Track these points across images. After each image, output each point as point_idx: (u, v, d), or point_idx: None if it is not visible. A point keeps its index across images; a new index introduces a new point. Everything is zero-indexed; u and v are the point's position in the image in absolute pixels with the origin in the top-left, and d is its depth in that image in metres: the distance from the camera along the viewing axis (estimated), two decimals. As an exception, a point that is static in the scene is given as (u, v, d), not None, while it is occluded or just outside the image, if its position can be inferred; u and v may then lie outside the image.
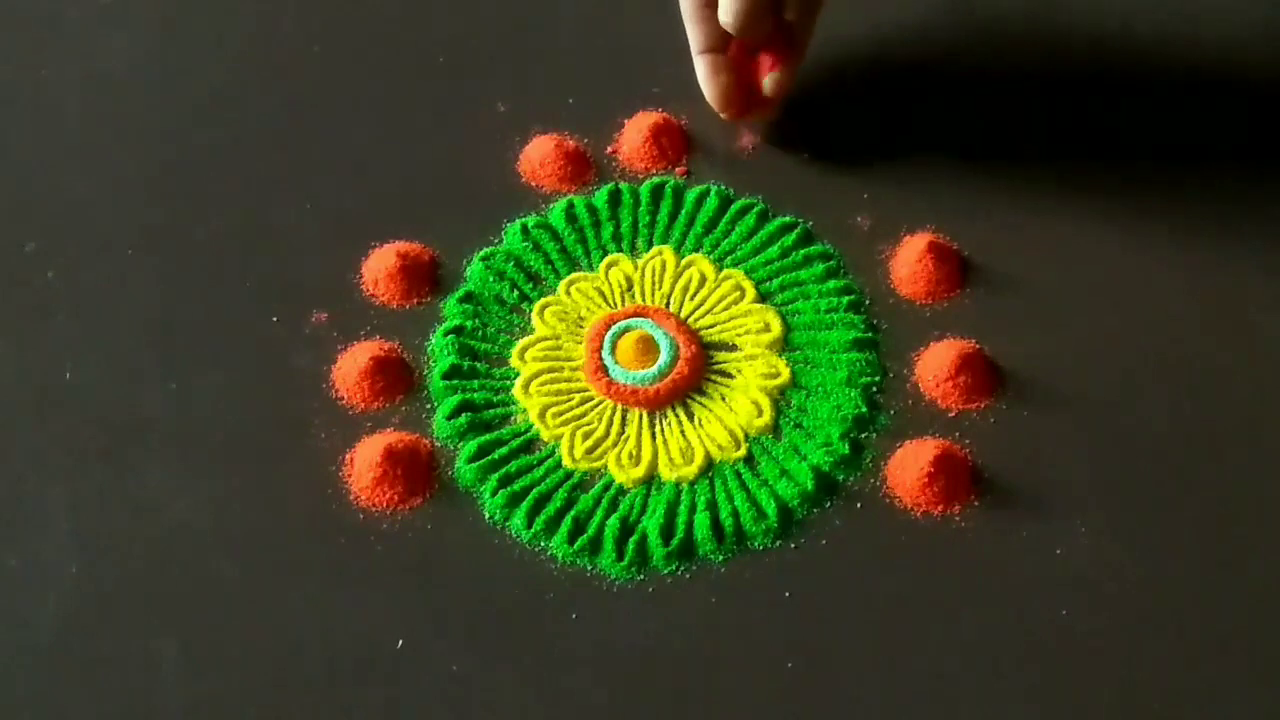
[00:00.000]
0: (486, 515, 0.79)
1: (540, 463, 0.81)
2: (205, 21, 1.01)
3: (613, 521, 0.79)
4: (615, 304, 0.87)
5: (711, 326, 0.86)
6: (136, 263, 0.89)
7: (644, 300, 0.87)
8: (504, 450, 0.81)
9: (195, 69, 0.98)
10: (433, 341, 0.85)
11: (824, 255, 0.89)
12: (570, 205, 0.91)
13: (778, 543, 0.79)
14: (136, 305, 0.87)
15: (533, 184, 0.92)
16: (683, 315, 0.87)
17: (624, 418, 0.83)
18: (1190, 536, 0.79)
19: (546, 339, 0.86)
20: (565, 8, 1.02)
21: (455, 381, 0.84)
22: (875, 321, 0.87)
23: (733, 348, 0.86)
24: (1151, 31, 1.00)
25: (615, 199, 0.91)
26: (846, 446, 0.82)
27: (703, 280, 0.88)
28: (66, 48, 1.00)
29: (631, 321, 0.86)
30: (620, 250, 0.89)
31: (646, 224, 0.90)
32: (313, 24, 1.01)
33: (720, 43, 0.89)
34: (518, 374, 0.84)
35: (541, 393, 0.84)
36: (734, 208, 0.91)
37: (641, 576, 0.77)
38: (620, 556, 0.78)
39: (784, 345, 0.86)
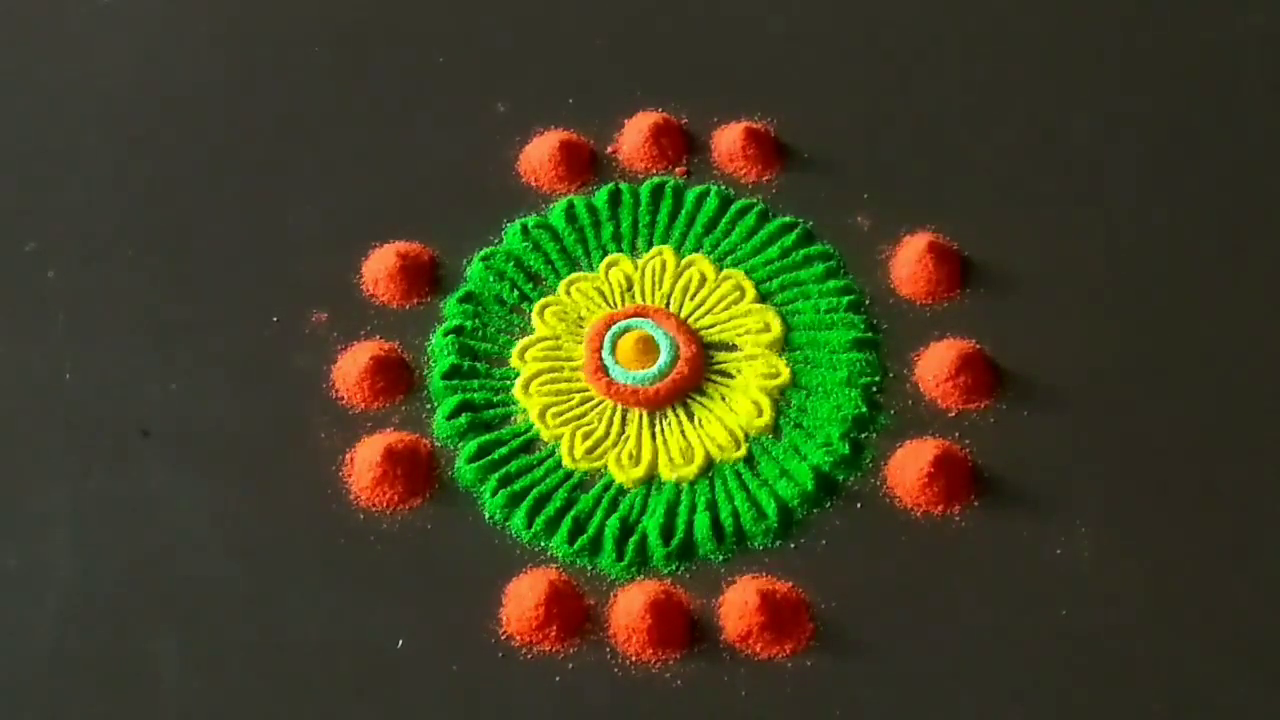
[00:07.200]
0: (486, 515, 0.79)
1: (540, 463, 0.81)
2: (205, 22, 1.01)
3: (613, 521, 0.79)
4: (615, 304, 0.87)
5: (712, 326, 0.86)
6: (136, 263, 0.89)
7: (644, 300, 0.87)
8: (504, 450, 0.81)
9: (195, 69, 0.98)
10: (433, 341, 0.85)
11: (824, 255, 0.89)
12: (570, 205, 0.90)
13: (778, 543, 0.79)
14: (136, 305, 0.87)
15: (533, 184, 0.92)
16: (683, 315, 0.87)
17: (624, 418, 0.83)
18: (1190, 536, 0.79)
19: (546, 339, 0.86)
20: (565, 7, 1.02)
21: (455, 381, 0.84)
22: (875, 321, 0.87)
23: (733, 348, 0.86)
24: (1152, 34, 1.00)
25: (615, 199, 0.91)
26: (846, 446, 0.82)
27: (703, 280, 0.88)
28: (66, 48, 1.00)
29: (632, 321, 0.86)
30: (620, 250, 0.89)
31: (646, 224, 0.90)
32: (313, 25, 1.01)
33: None
34: (518, 374, 0.84)
35: (541, 393, 0.84)
36: (734, 208, 0.91)
37: (641, 576, 0.77)
38: (620, 556, 0.78)
39: (784, 345, 0.86)
